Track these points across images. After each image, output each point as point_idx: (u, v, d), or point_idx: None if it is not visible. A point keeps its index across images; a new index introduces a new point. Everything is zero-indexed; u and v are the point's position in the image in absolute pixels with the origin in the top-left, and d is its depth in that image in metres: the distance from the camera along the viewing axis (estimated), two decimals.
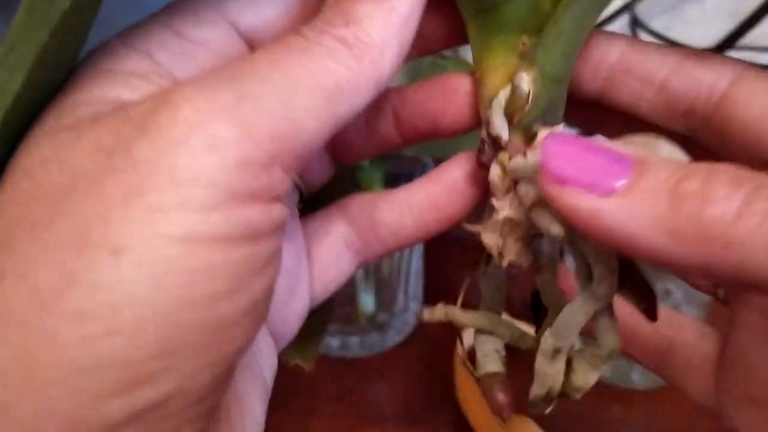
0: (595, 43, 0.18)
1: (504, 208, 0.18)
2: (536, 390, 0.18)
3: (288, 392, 0.43)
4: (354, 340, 0.44)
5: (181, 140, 0.13)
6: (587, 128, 0.18)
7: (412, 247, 0.43)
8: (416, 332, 0.46)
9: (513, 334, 0.20)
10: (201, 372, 0.13)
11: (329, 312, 0.27)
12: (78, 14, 0.13)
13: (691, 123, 0.17)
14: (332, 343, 0.44)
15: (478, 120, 0.18)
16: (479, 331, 0.20)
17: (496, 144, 0.17)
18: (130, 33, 0.16)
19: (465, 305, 0.20)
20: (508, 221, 0.18)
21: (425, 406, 0.43)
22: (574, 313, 0.17)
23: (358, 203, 0.20)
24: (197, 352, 0.13)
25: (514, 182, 0.17)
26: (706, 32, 0.48)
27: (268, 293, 0.15)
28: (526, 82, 0.17)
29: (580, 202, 0.14)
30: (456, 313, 0.20)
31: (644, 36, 0.45)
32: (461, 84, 0.18)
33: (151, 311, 0.12)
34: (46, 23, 0.13)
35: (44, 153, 0.14)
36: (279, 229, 0.14)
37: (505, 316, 0.20)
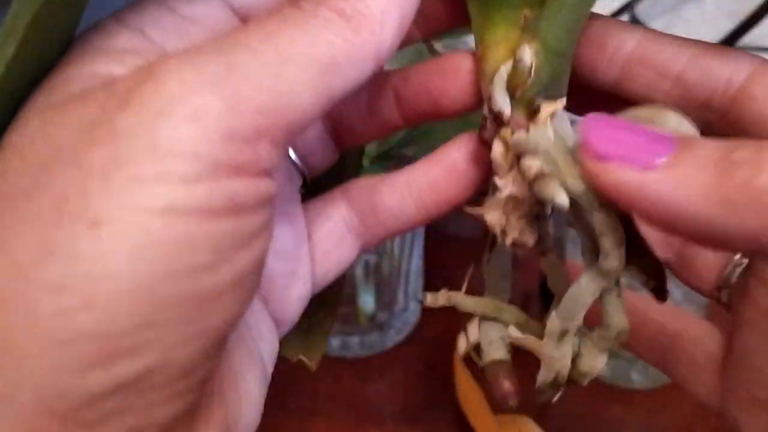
0: (612, 33, 0.18)
1: (507, 186, 0.17)
2: (544, 375, 0.18)
3: (288, 392, 0.43)
4: (354, 340, 0.44)
5: (164, 112, 0.13)
6: None
7: (412, 247, 0.43)
8: (416, 332, 0.46)
9: (519, 319, 0.20)
10: (185, 344, 0.13)
11: (335, 311, 0.27)
12: None
13: (706, 116, 0.17)
14: (332, 343, 0.44)
15: (480, 99, 0.18)
16: (484, 318, 0.20)
17: (498, 120, 0.17)
18: (123, 11, 0.16)
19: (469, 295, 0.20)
20: (512, 199, 0.17)
21: (425, 406, 0.43)
22: (581, 291, 0.17)
23: (359, 186, 0.20)
24: (180, 324, 0.13)
25: (516, 158, 0.17)
26: (705, 32, 0.48)
27: (256, 266, 0.14)
28: (528, 55, 0.16)
29: (624, 176, 0.14)
30: (459, 298, 0.20)
31: None
32: (463, 62, 0.18)
33: (130, 283, 0.12)
34: None
35: (32, 129, 0.14)
36: (266, 202, 0.14)
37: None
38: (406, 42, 0.17)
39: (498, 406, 0.39)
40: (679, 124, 0.16)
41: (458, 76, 0.18)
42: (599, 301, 0.17)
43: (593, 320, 0.18)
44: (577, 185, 0.16)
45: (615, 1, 0.49)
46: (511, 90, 0.17)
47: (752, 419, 0.18)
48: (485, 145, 0.18)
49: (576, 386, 0.18)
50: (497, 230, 0.18)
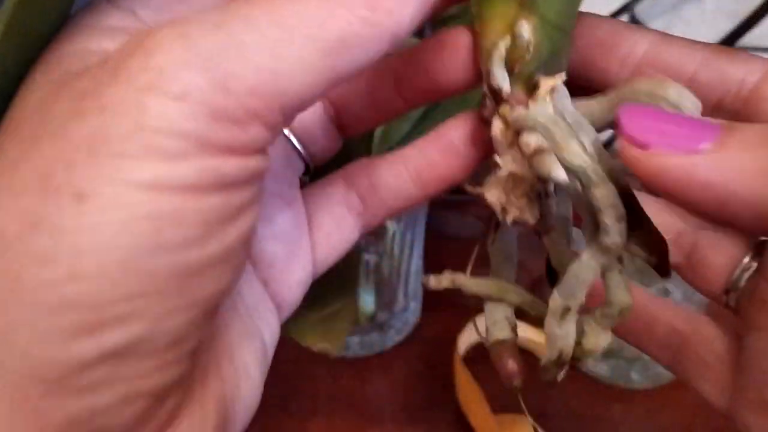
0: (624, 36, 0.18)
1: (507, 164, 0.17)
2: (547, 353, 0.18)
3: (288, 392, 0.43)
4: (354, 340, 0.44)
5: (151, 87, 0.12)
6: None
7: (412, 247, 0.43)
8: (416, 332, 0.46)
9: (524, 299, 0.19)
10: (173, 315, 0.13)
11: (354, 301, 0.26)
12: None
13: (719, 117, 0.17)
14: None
15: (480, 76, 0.18)
16: (488, 299, 0.20)
17: (497, 96, 0.17)
18: None
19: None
20: (512, 176, 0.17)
21: (425, 406, 0.43)
22: (582, 268, 0.17)
23: (358, 166, 0.20)
24: (168, 295, 0.13)
25: (516, 135, 0.17)
26: (705, 32, 0.48)
27: (244, 240, 0.14)
28: (526, 30, 0.16)
29: (669, 160, 0.14)
30: (463, 279, 0.20)
31: None
32: (461, 39, 0.18)
33: (115, 256, 0.12)
34: None
35: (30, 105, 0.14)
36: (257, 178, 0.14)
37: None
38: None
39: (498, 406, 0.39)
40: (679, 95, 0.15)
41: (457, 53, 0.18)
42: (602, 279, 0.17)
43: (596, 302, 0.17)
44: (576, 160, 0.16)
45: (614, 1, 0.49)
46: (510, 66, 0.17)
47: (763, 421, 0.18)
48: (485, 123, 0.18)
49: (579, 362, 0.18)
50: (498, 209, 0.18)
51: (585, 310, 0.18)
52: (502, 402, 0.38)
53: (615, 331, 0.21)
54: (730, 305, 0.19)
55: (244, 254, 0.15)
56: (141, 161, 0.12)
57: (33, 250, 0.12)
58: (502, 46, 0.17)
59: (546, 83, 0.17)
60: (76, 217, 0.12)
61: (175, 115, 0.12)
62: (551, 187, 0.18)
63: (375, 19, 0.13)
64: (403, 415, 0.42)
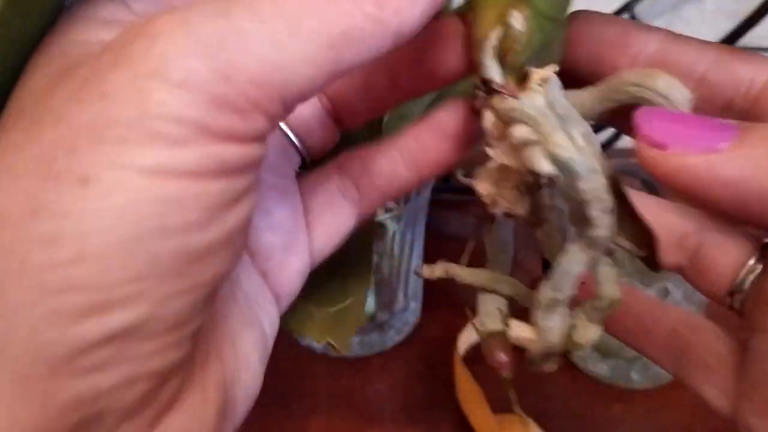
0: (633, 35, 0.18)
1: (497, 155, 0.17)
2: (535, 345, 0.18)
3: (288, 391, 0.43)
4: (354, 340, 0.44)
5: (152, 74, 0.12)
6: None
7: (412, 247, 0.43)
8: (416, 332, 0.46)
9: (517, 291, 0.19)
10: (176, 297, 0.13)
11: (363, 298, 0.26)
12: None
13: (728, 117, 0.17)
14: None
15: (472, 66, 0.18)
16: (482, 290, 0.20)
17: (489, 87, 0.17)
18: None
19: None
20: (503, 168, 0.17)
21: (425, 406, 0.43)
22: (570, 261, 0.17)
23: (352, 154, 0.20)
24: (171, 278, 0.13)
25: (506, 127, 0.17)
26: (705, 32, 0.48)
27: (244, 224, 0.14)
28: (518, 20, 0.16)
29: (688, 160, 0.14)
30: (457, 269, 0.20)
31: None
32: (453, 28, 0.18)
33: (119, 239, 0.12)
34: None
35: (32, 93, 0.14)
36: (256, 164, 0.14)
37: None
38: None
39: (498, 406, 0.39)
40: (668, 86, 0.15)
41: (449, 42, 0.18)
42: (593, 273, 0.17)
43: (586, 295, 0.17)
44: (563, 153, 0.15)
45: (615, 1, 0.49)
46: (502, 57, 0.17)
47: (767, 424, 0.17)
48: (476, 113, 0.18)
49: (568, 354, 0.17)
50: (488, 200, 0.18)
51: (576, 303, 0.17)
52: (502, 402, 0.38)
53: (615, 334, 0.21)
54: (734, 307, 0.18)
55: (242, 240, 0.15)
56: (143, 147, 0.12)
57: (38, 231, 0.12)
58: (494, 37, 0.17)
59: (537, 74, 0.16)
60: (79, 201, 0.12)
61: (176, 102, 0.12)
62: (543, 179, 0.18)
63: (381, 16, 0.14)
64: (403, 415, 0.42)
